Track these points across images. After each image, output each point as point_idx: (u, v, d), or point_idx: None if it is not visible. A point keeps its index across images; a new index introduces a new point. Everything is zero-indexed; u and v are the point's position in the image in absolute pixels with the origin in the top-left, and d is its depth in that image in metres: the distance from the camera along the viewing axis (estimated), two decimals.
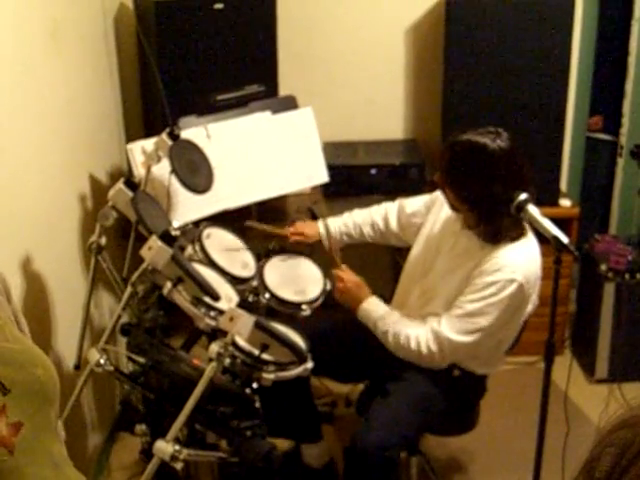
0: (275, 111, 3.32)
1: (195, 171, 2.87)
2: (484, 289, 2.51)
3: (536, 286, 2.57)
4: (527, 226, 2.55)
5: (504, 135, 2.46)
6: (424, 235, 2.81)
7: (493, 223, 2.49)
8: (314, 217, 3.52)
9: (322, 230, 3.02)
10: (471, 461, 3.35)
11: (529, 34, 3.60)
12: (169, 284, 2.40)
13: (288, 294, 2.85)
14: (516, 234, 2.51)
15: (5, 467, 1.26)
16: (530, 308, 2.61)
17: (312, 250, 3.06)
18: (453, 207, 2.59)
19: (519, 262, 2.50)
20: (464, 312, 2.54)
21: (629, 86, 4.07)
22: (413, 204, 2.93)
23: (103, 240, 2.78)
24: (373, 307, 2.74)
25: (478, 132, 2.47)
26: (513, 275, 2.47)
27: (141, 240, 2.53)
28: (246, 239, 3.03)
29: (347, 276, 2.81)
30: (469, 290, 2.54)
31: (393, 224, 2.96)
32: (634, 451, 0.85)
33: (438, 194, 2.75)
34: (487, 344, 2.63)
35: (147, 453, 2.45)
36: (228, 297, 2.61)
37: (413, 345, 2.61)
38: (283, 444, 3.09)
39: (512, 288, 2.48)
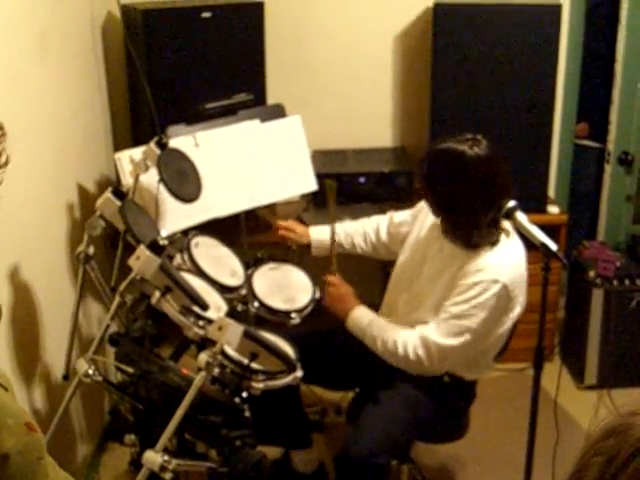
0: (263, 119, 3.32)
1: (183, 180, 2.86)
2: (467, 290, 2.51)
3: (522, 287, 2.58)
4: (510, 229, 2.56)
5: (483, 142, 2.47)
6: (410, 242, 2.82)
7: (469, 229, 2.50)
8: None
9: (314, 236, 3.01)
10: (461, 468, 3.35)
11: (517, 41, 3.61)
12: (157, 293, 2.39)
13: (277, 303, 2.85)
14: (493, 240, 2.52)
15: (43, 441, 1.39)
16: (518, 310, 2.61)
17: (300, 258, 3.06)
18: (435, 214, 2.61)
19: (502, 263, 2.51)
20: (449, 315, 2.54)
21: (616, 93, 4.08)
22: (401, 215, 2.94)
23: (91, 249, 2.78)
24: (361, 315, 2.74)
25: (457, 140, 2.49)
26: (496, 276, 2.48)
27: (129, 249, 2.53)
28: (235, 248, 3.02)
29: (339, 282, 2.81)
30: (453, 293, 2.55)
31: (383, 234, 2.96)
32: (621, 460, 0.85)
33: (424, 203, 2.76)
34: (477, 348, 2.63)
35: (136, 463, 2.44)
36: (217, 306, 2.60)
37: (401, 350, 2.61)
38: (273, 451, 3.08)
39: (496, 288, 2.48)
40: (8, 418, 1.27)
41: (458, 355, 2.60)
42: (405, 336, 2.62)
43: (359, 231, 3.01)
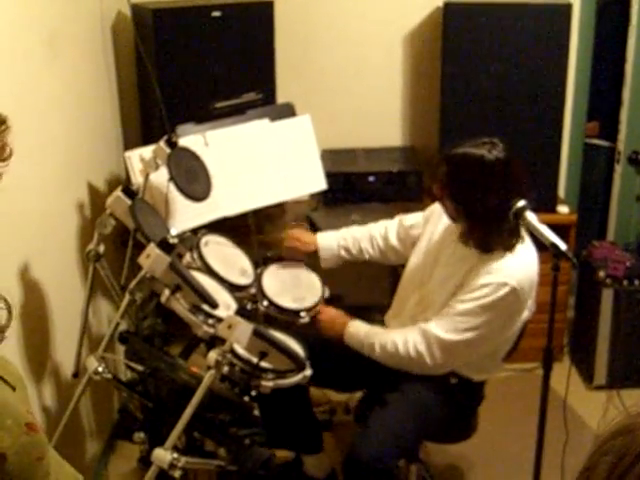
0: (273, 119, 3.32)
1: (193, 179, 2.87)
2: (475, 290, 2.51)
3: (532, 292, 2.57)
4: (524, 233, 2.55)
5: (500, 145, 2.46)
6: (422, 245, 2.81)
7: (489, 233, 2.49)
8: (312, 225, 3.53)
9: (321, 243, 3.01)
10: (470, 468, 3.35)
11: (527, 41, 3.60)
12: (167, 292, 2.40)
13: (286, 301, 2.85)
14: (510, 244, 2.51)
15: (44, 442, 1.39)
16: (526, 314, 2.60)
17: (309, 257, 3.06)
18: (452, 218, 2.60)
19: (513, 267, 2.50)
20: (454, 311, 2.54)
21: (626, 93, 4.07)
22: (411, 217, 2.94)
23: (101, 248, 2.79)
24: (356, 328, 2.76)
25: (474, 144, 2.48)
26: (506, 279, 2.48)
27: (139, 248, 2.53)
28: (244, 247, 3.03)
29: (327, 308, 2.86)
30: (462, 291, 2.55)
31: (392, 238, 2.95)
32: (629, 460, 0.85)
33: (436, 205, 2.76)
34: (484, 350, 2.63)
35: (145, 461, 2.45)
36: (226, 305, 2.61)
37: (401, 349, 2.61)
38: (285, 454, 3.08)
39: (504, 291, 2.48)
40: (7, 418, 1.27)
41: (461, 352, 2.60)
42: (405, 334, 2.62)
43: (366, 236, 2.99)
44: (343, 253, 3.00)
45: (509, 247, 2.51)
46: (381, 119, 4.19)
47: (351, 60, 4.10)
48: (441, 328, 2.56)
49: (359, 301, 3.88)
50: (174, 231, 2.66)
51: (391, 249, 2.96)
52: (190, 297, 2.40)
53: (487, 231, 2.49)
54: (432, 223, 2.81)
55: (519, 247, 2.53)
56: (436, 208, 2.77)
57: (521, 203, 2.43)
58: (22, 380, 1.49)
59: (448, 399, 2.71)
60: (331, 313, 2.84)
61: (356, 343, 2.73)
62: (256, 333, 2.26)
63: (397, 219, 2.99)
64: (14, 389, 1.39)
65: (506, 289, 2.47)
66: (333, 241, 3.00)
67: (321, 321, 2.83)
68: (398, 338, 2.63)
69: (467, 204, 2.50)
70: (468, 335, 2.54)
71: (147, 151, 2.92)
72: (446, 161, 2.53)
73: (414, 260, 2.83)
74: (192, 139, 3.07)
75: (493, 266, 2.50)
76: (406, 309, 2.80)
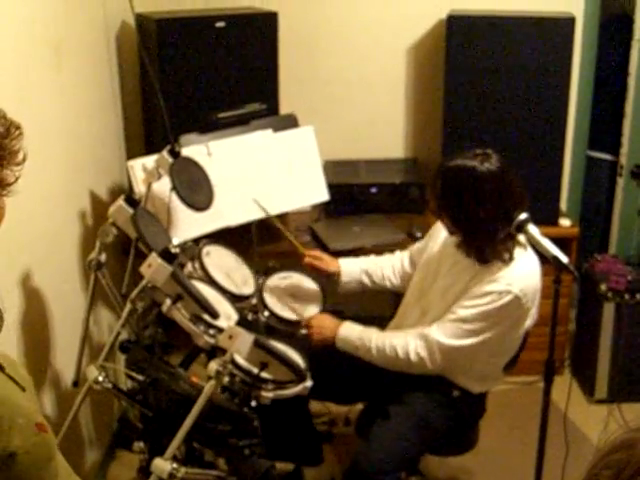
0: (276, 129, 3.33)
1: (195, 188, 2.87)
2: (479, 297, 2.51)
3: (535, 300, 2.57)
4: (525, 243, 2.55)
5: (494, 157, 2.47)
6: (424, 259, 2.82)
7: (483, 244, 2.49)
8: (314, 236, 3.53)
9: (344, 267, 2.96)
10: None
11: (530, 53, 3.61)
12: (168, 301, 2.40)
13: (287, 312, 2.85)
14: (508, 255, 2.51)
15: (53, 443, 1.41)
16: (529, 323, 2.60)
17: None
18: (449, 231, 2.60)
19: (516, 275, 2.50)
20: (456, 317, 2.54)
21: (629, 106, 4.08)
22: (419, 243, 2.95)
23: (103, 257, 2.79)
24: (348, 331, 2.73)
25: (467, 155, 2.48)
26: (509, 287, 2.47)
27: (141, 257, 2.53)
28: (246, 257, 3.03)
29: (313, 319, 2.83)
30: (464, 297, 2.55)
31: (406, 263, 2.95)
32: (629, 474, 0.85)
33: (439, 223, 2.77)
34: (483, 356, 2.62)
35: (145, 471, 2.44)
36: (227, 315, 2.61)
37: (401, 354, 2.60)
38: (285, 466, 3.07)
39: (507, 299, 2.47)
40: (19, 418, 1.28)
41: (462, 357, 2.60)
42: (403, 339, 2.62)
43: (387, 263, 2.98)
44: (365, 278, 2.96)
45: (506, 259, 2.50)
46: (384, 131, 4.20)
47: (354, 71, 4.11)
48: (442, 333, 2.55)
49: (360, 313, 3.88)
50: (176, 241, 2.66)
51: (408, 276, 2.94)
52: (191, 307, 2.40)
53: (481, 242, 2.49)
54: (433, 238, 2.82)
55: (522, 255, 2.54)
56: (438, 224, 2.78)
57: (523, 216, 2.43)
58: (31, 383, 1.49)
59: (450, 412, 2.71)
60: (320, 317, 2.83)
61: (349, 347, 2.71)
62: (257, 344, 2.26)
63: (409, 248, 2.99)
64: (24, 390, 1.40)
65: (509, 297, 2.47)
66: (355, 265, 2.98)
67: (310, 328, 2.81)
68: (397, 342, 2.62)
69: (460, 216, 2.50)
70: (470, 340, 2.53)
71: (150, 160, 2.93)
72: (439, 174, 2.54)
73: (417, 274, 2.84)
74: (195, 149, 3.08)
75: (496, 274, 2.50)
76: (408, 323, 2.80)
